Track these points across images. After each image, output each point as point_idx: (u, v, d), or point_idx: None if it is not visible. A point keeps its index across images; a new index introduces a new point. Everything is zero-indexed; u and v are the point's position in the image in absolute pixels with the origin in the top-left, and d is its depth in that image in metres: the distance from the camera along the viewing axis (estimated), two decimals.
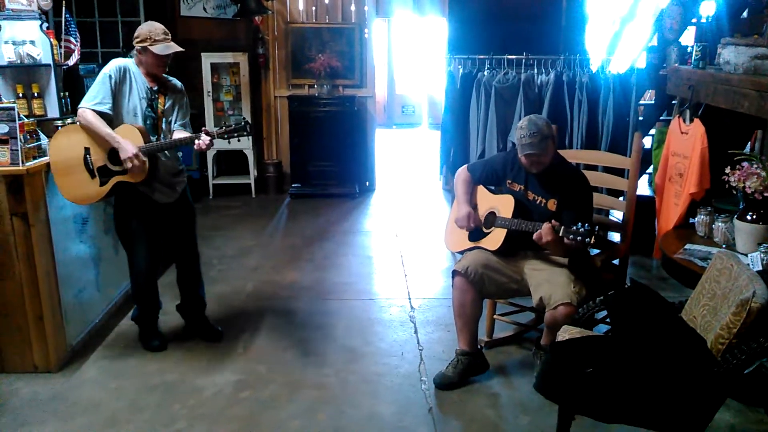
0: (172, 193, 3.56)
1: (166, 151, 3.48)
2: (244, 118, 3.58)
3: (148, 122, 3.43)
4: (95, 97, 3.29)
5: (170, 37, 3.39)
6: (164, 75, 3.51)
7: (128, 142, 3.25)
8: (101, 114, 3.29)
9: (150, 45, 3.32)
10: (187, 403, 3.19)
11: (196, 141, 3.34)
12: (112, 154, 3.32)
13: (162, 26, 3.39)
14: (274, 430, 2.99)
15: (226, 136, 3.44)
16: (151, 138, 3.40)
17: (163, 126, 3.50)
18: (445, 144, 6.00)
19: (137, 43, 3.35)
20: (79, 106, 3.31)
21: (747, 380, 2.96)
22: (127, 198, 3.47)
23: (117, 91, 3.35)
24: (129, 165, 3.25)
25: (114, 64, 3.37)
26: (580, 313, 2.92)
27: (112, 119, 3.34)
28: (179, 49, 3.38)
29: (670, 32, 5.23)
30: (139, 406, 3.16)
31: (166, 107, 3.50)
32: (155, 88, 3.47)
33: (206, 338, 3.83)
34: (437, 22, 8.46)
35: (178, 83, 3.62)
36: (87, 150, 3.34)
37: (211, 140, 3.35)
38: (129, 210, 3.51)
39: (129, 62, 3.43)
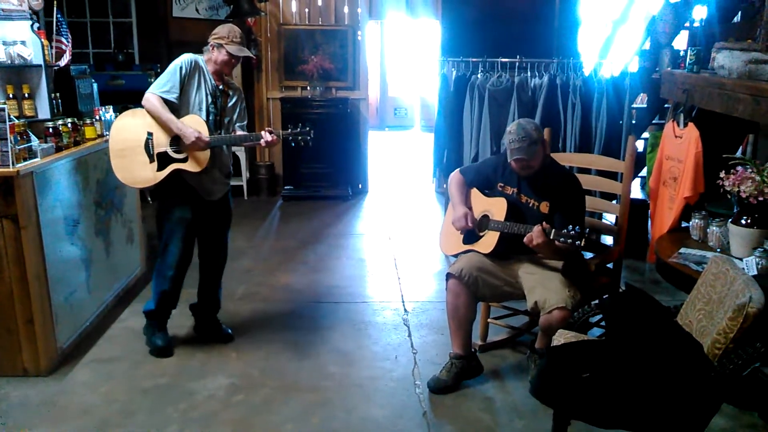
0: (219, 190, 3.63)
1: (225, 149, 3.59)
2: (309, 127, 3.68)
3: (210, 117, 3.51)
4: (164, 85, 3.39)
5: (245, 43, 3.54)
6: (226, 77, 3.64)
7: (189, 127, 3.37)
8: (167, 103, 3.39)
9: (227, 44, 3.42)
10: (179, 406, 3.16)
11: (262, 138, 3.48)
12: (175, 141, 3.42)
13: (240, 31, 3.51)
14: None
15: (290, 138, 3.60)
16: (214, 133, 3.50)
17: (225, 122, 3.59)
18: (439, 146, 6.00)
19: (215, 39, 3.45)
20: (147, 91, 3.41)
21: (741, 384, 2.97)
22: (175, 189, 3.50)
23: (186, 83, 3.44)
24: (194, 145, 3.36)
25: (186, 57, 3.46)
26: (575, 317, 2.92)
27: (178, 109, 3.43)
28: (251, 54, 3.58)
29: (663, 36, 5.25)
30: (130, 410, 3.13)
31: (228, 106, 3.61)
32: (220, 86, 3.56)
33: (217, 340, 3.82)
34: (430, 24, 8.45)
35: (240, 91, 3.74)
36: (150, 134, 3.44)
37: (275, 138, 3.49)
38: (175, 200, 3.53)
39: (200, 58, 3.51)
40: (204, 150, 3.42)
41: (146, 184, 3.51)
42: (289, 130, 3.61)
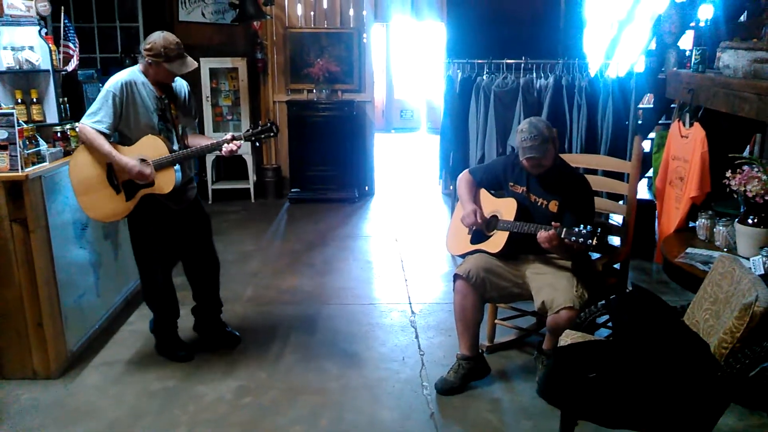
0: (183, 200, 3.52)
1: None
2: (270, 120, 3.49)
3: (163, 134, 3.35)
4: (95, 114, 3.21)
5: (183, 50, 3.27)
6: None
7: (129, 158, 3.22)
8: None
9: (164, 62, 3.22)
10: (187, 409, 3.18)
11: (224, 146, 3.30)
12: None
13: (175, 38, 3.26)
14: None
15: (253, 138, 3.36)
16: (173, 148, 3.36)
17: (179, 132, 3.46)
18: (445, 148, 6.00)
19: (150, 55, 3.22)
20: (80, 122, 3.26)
21: (749, 384, 2.96)
22: (143, 206, 3.37)
23: (124, 110, 3.24)
24: (139, 178, 3.24)
25: (117, 80, 3.24)
26: (582, 318, 2.92)
27: (129, 135, 3.30)
28: (195, 65, 3.31)
29: (669, 36, 5.24)
30: (139, 413, 3.15)
31: (177, 114, 3.45)
32: (163, 96, 3.37)
33: (224, 342, 3.80)
34: (435, 26, 8.46)
35: (183, 83, 3.53)
36: (110, 165, 3.29)
37: (238, 146, 3.32)
38: (145, 217, 3.41)
39: (132, 73, 3.30)
40: (168, 169, 3.28)
41: (120, 217, 3.37)
42: (250, 130, 3.38)
